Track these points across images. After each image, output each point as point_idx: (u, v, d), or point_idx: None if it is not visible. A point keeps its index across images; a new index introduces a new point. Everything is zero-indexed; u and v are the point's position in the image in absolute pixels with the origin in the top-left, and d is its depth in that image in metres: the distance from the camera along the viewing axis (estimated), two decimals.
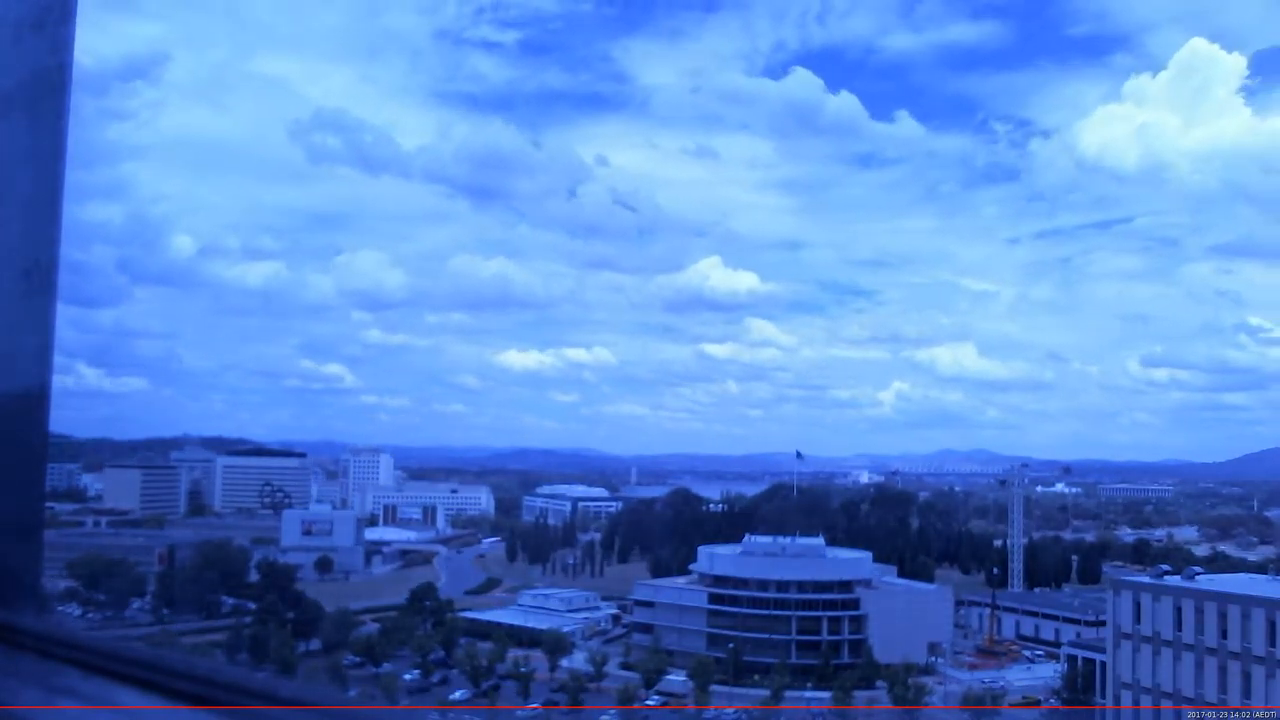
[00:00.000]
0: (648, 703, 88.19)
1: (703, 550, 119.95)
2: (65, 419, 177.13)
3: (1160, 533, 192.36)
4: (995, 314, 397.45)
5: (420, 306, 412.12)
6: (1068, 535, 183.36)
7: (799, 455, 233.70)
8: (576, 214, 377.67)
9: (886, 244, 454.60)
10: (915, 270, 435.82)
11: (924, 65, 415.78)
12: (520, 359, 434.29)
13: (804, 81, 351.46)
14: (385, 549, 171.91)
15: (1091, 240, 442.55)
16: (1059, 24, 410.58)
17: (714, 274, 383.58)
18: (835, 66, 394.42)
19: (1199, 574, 75.48)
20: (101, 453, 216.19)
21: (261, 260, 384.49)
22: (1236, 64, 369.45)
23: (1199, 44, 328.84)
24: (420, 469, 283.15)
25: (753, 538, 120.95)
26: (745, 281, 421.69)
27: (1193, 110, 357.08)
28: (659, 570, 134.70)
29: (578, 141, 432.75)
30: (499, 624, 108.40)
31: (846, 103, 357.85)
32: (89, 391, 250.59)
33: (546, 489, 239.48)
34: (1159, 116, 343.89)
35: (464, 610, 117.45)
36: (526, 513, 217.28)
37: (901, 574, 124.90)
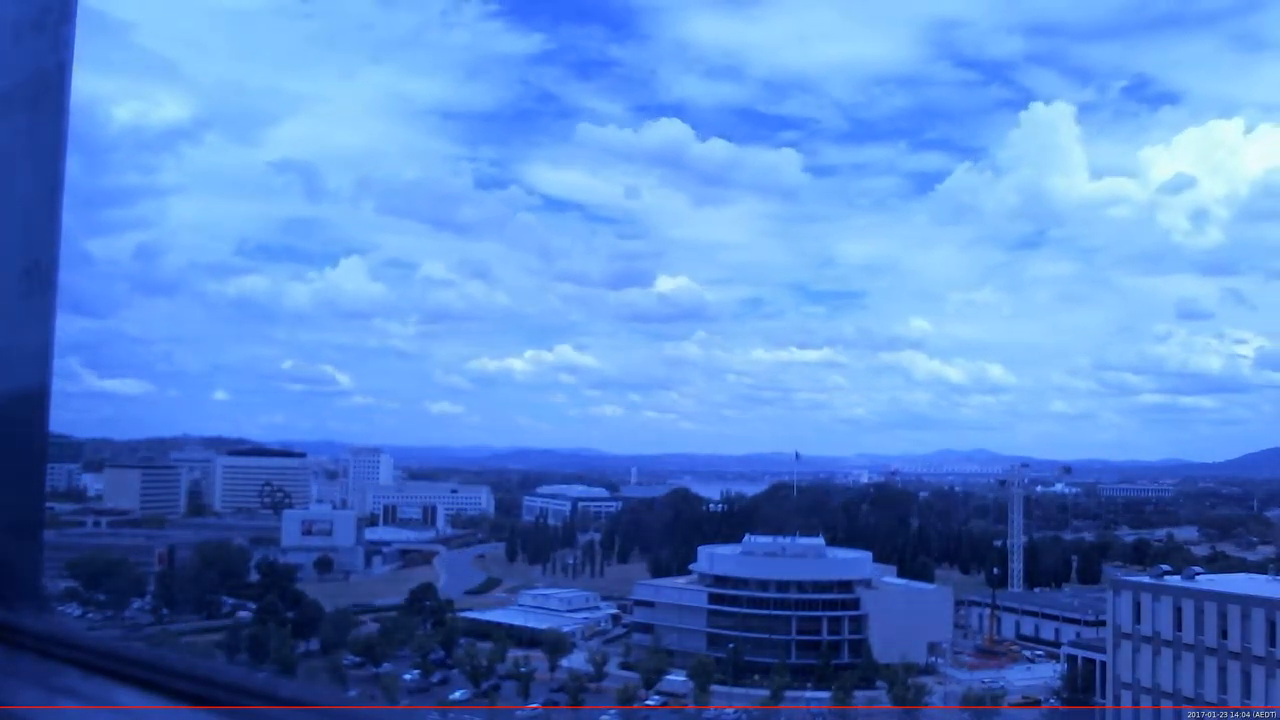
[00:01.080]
0: (648, 703, 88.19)
1: (703, 550, 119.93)
2: (65, 419, 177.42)
3: (1160, 533, 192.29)
4: (953, 318, 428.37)
5: (405, 316, 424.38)
6: (1068, 535, 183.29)
7: (797, 456, 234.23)
8: (534, 234, 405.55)
9: (836, 254, 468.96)
10: (874, 277, 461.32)
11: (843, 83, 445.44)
12: (505, 364, 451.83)
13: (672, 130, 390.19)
14: (385, 549, 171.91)
15: (1018, 251, 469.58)
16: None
17: (675, 286, 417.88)
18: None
19: (1199, 574, 75.44)
20: (101, 453, 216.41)
21: (252, 274, 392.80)
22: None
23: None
24: (420, 469, 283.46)
25: (753, 538, 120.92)
26: (713, 291, 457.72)
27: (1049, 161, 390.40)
28: (659, 570, 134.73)
29: (525, 162, 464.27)
30: (499, 624, 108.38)
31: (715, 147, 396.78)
32: (89, 392, 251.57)
33: (546, 489, 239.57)
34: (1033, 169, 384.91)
35: (464, 610, 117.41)
36: (526, 513, 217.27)
37: (901, 574, 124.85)
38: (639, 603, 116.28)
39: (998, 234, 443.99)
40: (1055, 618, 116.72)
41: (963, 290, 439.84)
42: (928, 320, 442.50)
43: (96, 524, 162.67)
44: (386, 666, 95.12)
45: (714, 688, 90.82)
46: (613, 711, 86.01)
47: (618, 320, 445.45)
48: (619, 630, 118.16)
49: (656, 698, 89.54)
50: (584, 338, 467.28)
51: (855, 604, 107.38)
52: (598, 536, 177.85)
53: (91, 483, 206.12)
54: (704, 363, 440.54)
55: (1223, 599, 64.87)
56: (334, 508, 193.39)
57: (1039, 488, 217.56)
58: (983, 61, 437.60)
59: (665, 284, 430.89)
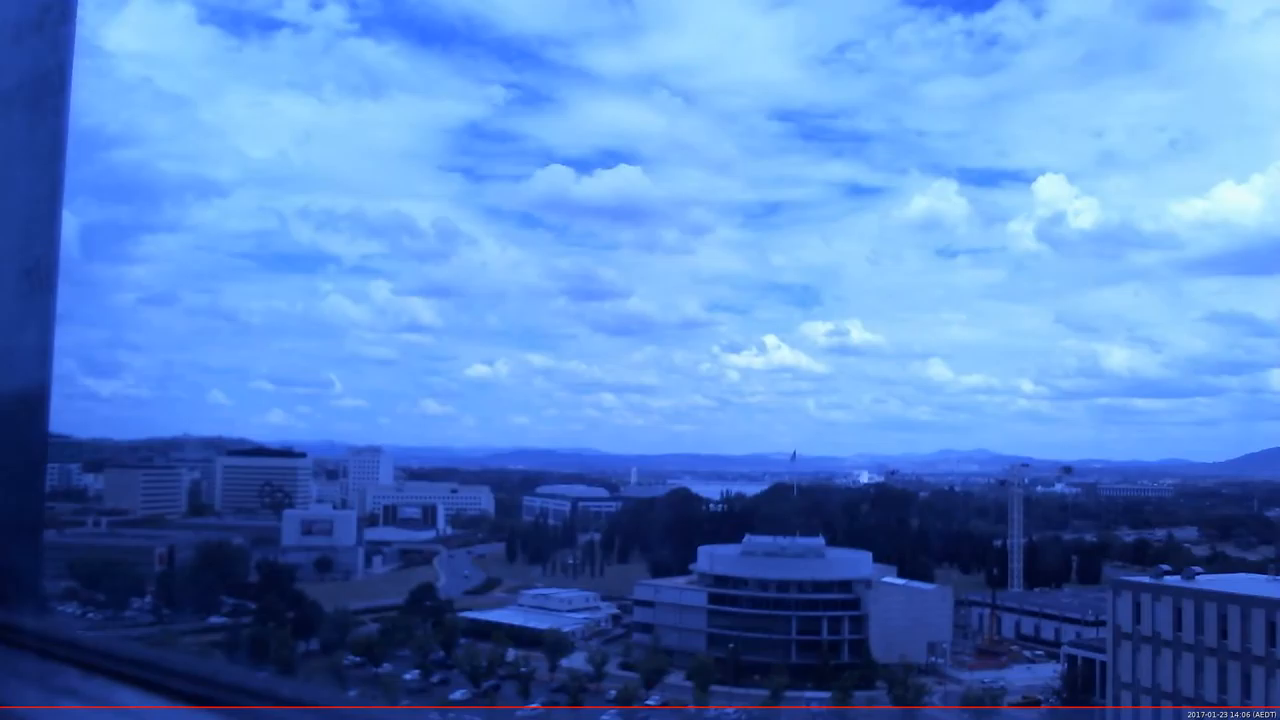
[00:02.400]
0: (648, 703, 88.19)
1: (703, 550, 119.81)
2: (65, 419, 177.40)
3: (1160, 533, 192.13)
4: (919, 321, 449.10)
5: (384, 324, 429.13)
6: (1068, 535, 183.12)
7: (794, 456, 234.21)
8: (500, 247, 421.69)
9: (788, 261, 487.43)
10: (833, 283, 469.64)
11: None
12: (496, 367, 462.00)
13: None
14: (385, 549, 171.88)
15: (945, 260, 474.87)
16: None
17: (648, 296, 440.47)
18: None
19: (1199, 574, 75.43)
20: (101, 453, 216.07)
21: (240, 285, 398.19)
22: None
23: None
24: (420, 469, 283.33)
25: (753, 538, 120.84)
26: (686, 298, 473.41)
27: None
28: (659, 570, 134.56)
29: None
30: (499, 624, 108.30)
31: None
32: (89, 393, 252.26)
33: (546, 489, 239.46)
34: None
35: (464, 610, 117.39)
36: (526, 513, 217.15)
37: (901, 574, 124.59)
38: (639, 603, 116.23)
39: (920, 243, 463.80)
40: (1055, 618, 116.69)
41: (920, 295, 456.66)
42: (900, 324, 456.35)
43: (96, 524, 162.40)
44: (386, 666, 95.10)
45: (714, 688, 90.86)
46: (613, 711, 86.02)
47: (596, 327, 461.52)
48: (619, 630, 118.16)
49: (656, 698, 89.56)
50: (565, 343, 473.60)
51: (855, 604, 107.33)
52: (598, 536, 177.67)
53: (91, 483, 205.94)
54: (692, 366, 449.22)
55: (1223, 599, 64.83)
56: (334, 508, 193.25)
57: (1039, 488, 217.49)
58: (853, 93, 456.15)
59: (639, 293, 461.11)
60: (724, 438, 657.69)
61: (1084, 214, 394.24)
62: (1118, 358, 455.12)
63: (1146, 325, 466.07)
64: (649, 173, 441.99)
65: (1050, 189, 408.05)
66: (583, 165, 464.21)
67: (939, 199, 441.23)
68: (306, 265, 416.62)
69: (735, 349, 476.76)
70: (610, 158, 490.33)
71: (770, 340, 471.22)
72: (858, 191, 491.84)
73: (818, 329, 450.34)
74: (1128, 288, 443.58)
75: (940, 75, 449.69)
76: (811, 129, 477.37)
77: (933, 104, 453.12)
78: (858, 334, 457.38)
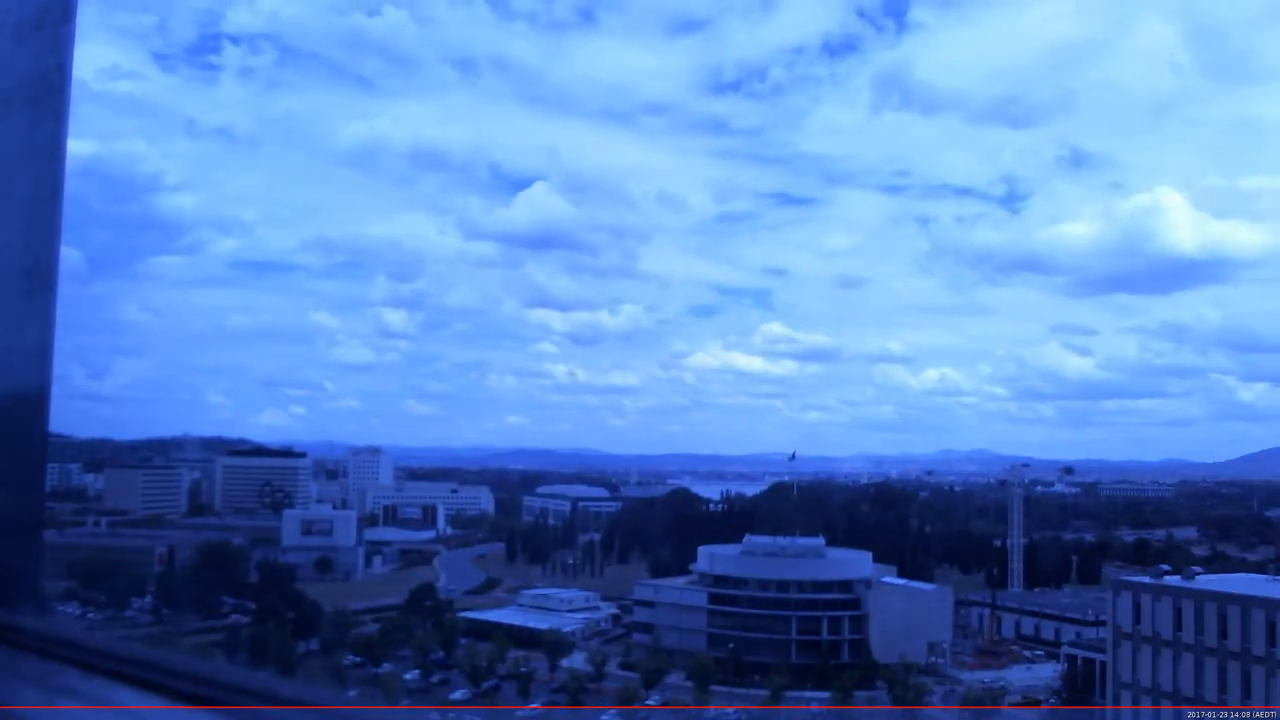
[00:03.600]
0: (648, 703, 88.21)
1: (703, 550, 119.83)
2: (65, 419, 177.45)
3: (1160, 533, 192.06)
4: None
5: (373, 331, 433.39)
6: (1068, 535, 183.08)
7: (793, 456, 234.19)
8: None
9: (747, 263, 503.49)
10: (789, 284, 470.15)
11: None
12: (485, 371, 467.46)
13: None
14: (385, 549, 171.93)
15: (886, 267, 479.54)
16: None
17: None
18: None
19: (1199, 574, 75.43)
20: (101, 453, 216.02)
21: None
22: None
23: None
24: (420, 469, 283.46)
25: (753, 538, 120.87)
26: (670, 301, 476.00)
27: None
28: (659, 570, 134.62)
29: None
30: (499, 624, 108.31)
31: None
32: (89, 393, 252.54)
33: (546, 489, 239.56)
34: None
35: (464, 610, 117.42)
36: (526, 513, 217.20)
37: (901, 574, 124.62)
38: (639, 603, 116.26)
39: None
40: (1055, 618, 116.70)
41: (875, 301, 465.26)
42: (864, 327, 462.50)
43: (96, 524, 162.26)
44: (386, 666, 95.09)
45: (714, 688, 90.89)
46: (613, 711, 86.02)
47: (568, 334, 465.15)
48: (619, 630, 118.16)
49: (656, 697, 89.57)
50: (539, 345, 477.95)
51: (855, 604, 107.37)
52: (598, 536, 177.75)
53: (91, 483, 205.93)
54: (674, 369, 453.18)
55: (1223, 599, 64.83)
56: (334, 508, 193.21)
57: (1039, 488, 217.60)
58: (751, 120, 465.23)
59: (604, 303, 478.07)
60: (721, 438, 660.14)
61: (988, 230, 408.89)
62: (1070, 364, 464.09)
63: (1080, 333, 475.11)
64: (589, 187, 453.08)
65: (953, 204, 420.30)
66: (519, 183, 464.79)
67: (862, 210, 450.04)
68: (280, 272, 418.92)
69: (730, 348, 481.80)
70: (543, 174, 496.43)
71: (750, 341, 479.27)
72: (789, 201, 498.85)
73: (783, 331, 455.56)
74: (1039, 299, 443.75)
75: (818, 108, 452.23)
76: (723, 149, 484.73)
77: (820, 131, 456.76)
78: (828, 337, 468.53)
